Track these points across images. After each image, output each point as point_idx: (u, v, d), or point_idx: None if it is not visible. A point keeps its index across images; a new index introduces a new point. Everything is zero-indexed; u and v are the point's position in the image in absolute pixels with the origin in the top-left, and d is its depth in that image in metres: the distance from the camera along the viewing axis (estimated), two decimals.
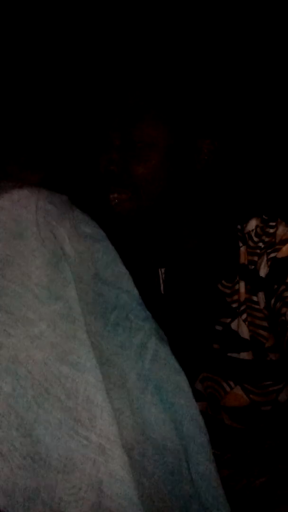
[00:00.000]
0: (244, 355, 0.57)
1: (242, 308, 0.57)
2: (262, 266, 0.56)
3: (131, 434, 0.32)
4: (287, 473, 0.54)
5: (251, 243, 0.58)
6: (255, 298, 0.57)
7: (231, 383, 0.57)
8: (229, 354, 0.57)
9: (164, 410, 0.35)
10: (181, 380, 0.37)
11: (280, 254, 0.55)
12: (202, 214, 0.58)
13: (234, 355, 0.57)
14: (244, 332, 0.57)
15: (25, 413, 0.30)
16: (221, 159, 0.56)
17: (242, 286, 0.58)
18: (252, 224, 0.58)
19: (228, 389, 0.57)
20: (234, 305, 0.58)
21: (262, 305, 0.56)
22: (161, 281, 0.62)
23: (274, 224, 0.57)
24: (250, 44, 0.75)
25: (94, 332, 0.35)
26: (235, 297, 0.58)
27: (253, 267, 0.57)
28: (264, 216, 0.59)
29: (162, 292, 0.62)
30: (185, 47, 0.58)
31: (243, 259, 0.58)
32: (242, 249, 0.58)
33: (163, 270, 0.62)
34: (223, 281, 0.58)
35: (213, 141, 0.55)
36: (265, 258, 0.56)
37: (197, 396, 0.58)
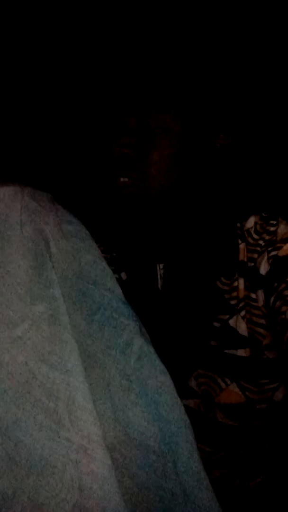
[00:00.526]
0: (242, 352, 0.56)
1: (241, 305, 0.56)
2: (263, 264, 0.55)
3: (113, 434, 0.32)
4: (282, 474, 0.53)
5: (250, 240, 0.57)
6: (253, 296, 0.56)
7: (227, 380, 0.56)
8: (226, 351, 0.56)
9: (148, 410, 0.34)
10: (166, 379, 0.36)
11: (281, 253, 0.54)
12: (204, 210, 0.57)
13: (231, 351, 0.56)
14: (242, 329, 0.56)
15: (4, 414, 0.30)
16: (233, 155, 0.55)
17: (241, 283, 0.57)
18: (251, 221, 0.58)
19: (224, 386, 0.56)
20: (233, 302, 0.57)
21: (260, 302, 0.55)
22: (159, 276, 0.61)
23: (275, 222, 0.57)
24: (269, 45, 0.73)
25: (79, 332, 0.34)
26: (234, 294, 0.57)
27: (252, 264, 0.56)
28: (263, 214, 0.58)
29: (160, 288, 0.61)
30: (207, 41, 0.57)
31: (242, 256, 0.57)
32: (241, 246, 0.57)
33: (161, 265, 0.61)
34: (222, 278, 0.57)
35: (227, 136, 0.54)
36: (265, 256, 0.55)
37: (190, 393, 0.58)
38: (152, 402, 0.34)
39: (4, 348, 0.31)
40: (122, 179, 0.51)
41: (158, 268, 0.61)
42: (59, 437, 0.30)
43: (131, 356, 0.35)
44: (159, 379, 0.35)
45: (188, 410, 0.38)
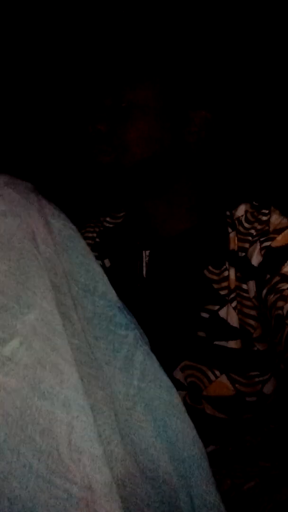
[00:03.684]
0: (232, 344, 0.52)
1: (232, 295, 0.52)
2: (255, 254, 0.51)
3: (122, 467, 0.26)
4: (275, 475, 0.50)
5: (241, 229, 0.53)
6: (245, 287, 0.52)
7: (217, 372, 0.53)
8: (216, 343, 0.53)
9: (156, 434, 0.28)
10: (174, 397, 0.30)
11: (274, 243, 0.50)
12: (195, 197, 0.54)
13: (222, 343, 0.52)
14: (234, 320, 0.52)
15: None
16: (213, 134, 0.53)
17: (232, 273, 0.53)
18: (242, 209, 0.54)
19: (213, 378, 0.53)
20: (223, 292, 0.53)
21: (252, 294, 0.51)
22: (144, 263, 0.56)
23: (267, 211, 0.53)
24: (248, 20, 0.68)
25: (74, 348, 0.27)
26: (224, 284, 0.53)
27: (243, 254, 0.52)
28: (254, 203, 0.54)
29: (144, 276, 0.55)
30: (184, 17, 0.57)
31: (233, 245, 0.53)
32: (232, 235, 0.54)
33: (147, 252, 0.56)
34: (209, 267, 0.53)
35: (206, 113, 0.52)
36: (258, 247, 0.51)
37: (177, 385, 0.53)
38: (161, 424, 0.29)
39: None
40: (99, 155, 0.50)
41: (144, 254, 0.56)
42: (56, 488, 0.23)
43: (133, 373, 0.29)
44: (166, 397, 0.29)
45: None
